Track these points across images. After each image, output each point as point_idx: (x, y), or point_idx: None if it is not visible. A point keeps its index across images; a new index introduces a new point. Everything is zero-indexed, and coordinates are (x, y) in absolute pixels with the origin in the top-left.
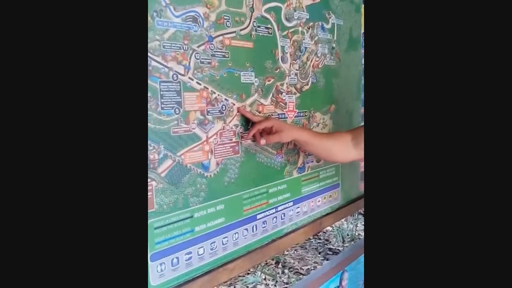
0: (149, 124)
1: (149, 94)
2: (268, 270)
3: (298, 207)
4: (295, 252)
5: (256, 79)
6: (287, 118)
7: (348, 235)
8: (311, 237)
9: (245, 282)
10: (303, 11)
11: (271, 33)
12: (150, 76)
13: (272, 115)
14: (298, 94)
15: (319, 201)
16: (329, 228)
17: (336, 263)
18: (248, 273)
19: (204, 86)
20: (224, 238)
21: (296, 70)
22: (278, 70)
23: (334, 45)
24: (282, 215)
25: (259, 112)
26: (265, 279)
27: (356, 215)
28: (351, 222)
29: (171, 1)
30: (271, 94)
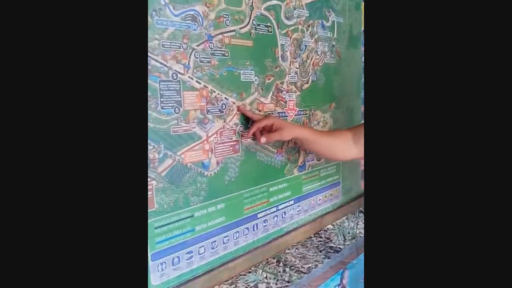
0: (149, 123)
1: (148, 94)
2: (269, 268)
3: (299, 205)
4: (296, 250)
5: (256, 77)
6: (287, 116)
7: (349, 233)
8: (312, 236)
9: (247, 280)
10: (303, 9)
11: (270, 32)
12: (149, 75)
13: (272, 113)
14: (298, 92)
15: (319, 199)
16: (330, 226)
17: (337, 261)
18: (249, 272)
19: (204, 85)
20: (224, 237)
21: (296, 68)
22: (278, 68)
23: (334, 43)
24: (283, 213)
25: (259, 111)
26: (266, 277)
27: (357, 213)
28: (352, 220)
29: (170, 0)
30: (271, 93)
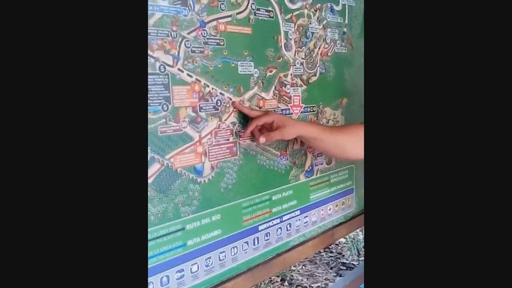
0: None
1: None
2: None
3: (306, 216)
4: (304, 267)
5: (256, 69)
6: (292, 114)
7: (363, 247)
8: (321, 250)
9: None
10: None
11: (272, 17)
12: None
13: (274, 111)
14: (304, 87)
15: (330, 209)
16: (342, 239)
17: (350, 279)
18: None
19: (196, 79)
20: (221, 253)
21: (302, 59)
22: (281, 59)
23: (345, 29)
24: (288, 225)
25: (260, 108)
26: None
27: None
28: None
29: None
30: (273, 87)
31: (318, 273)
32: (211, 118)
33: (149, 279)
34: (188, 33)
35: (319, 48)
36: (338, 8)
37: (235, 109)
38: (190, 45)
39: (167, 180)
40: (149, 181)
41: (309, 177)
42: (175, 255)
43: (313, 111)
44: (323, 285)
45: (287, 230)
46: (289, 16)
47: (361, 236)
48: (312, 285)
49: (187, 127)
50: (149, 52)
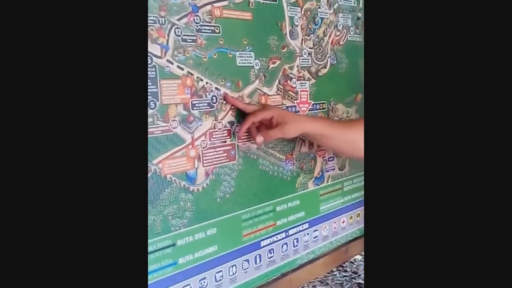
0: None
1: None
2: None
3: (316, 230)
4: None
5: (257, 61)
6: (299, 112)
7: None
8: (334, 270)
9: None
10: None
11: (275, 0)
12: None
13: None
14: (313, 80)
15: (343, 221)
16: (358, 257)
17: None
18: None
19: (188, 72)
20: (217, 272)
21: (310, 48)
22: (286, 48)
23: (359, 14)
24: (295, 241)
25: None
26: None
27: None
28: None
29: None
30: (277, 81)
31: None
32: (206, 117)
33: None
34: (179, 19)
35: (329, 36)
36: None
37: (233, 107)
38: (181, 33)
39: (155, 188)
40: None
41: (319, 185)
42: (164, 275)
43: (323, 108)
44: None
45: (294, 246)
46: None
47: None
48: None
49: (178, 128)
50: None
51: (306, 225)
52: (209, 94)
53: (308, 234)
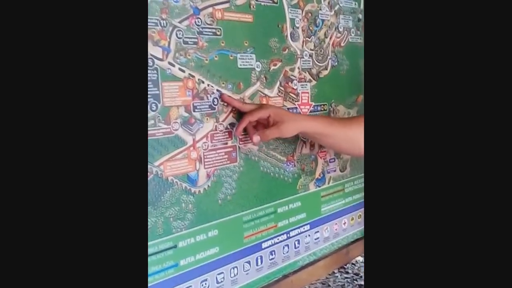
0: None
1: None
2: None
3: (317, 231)
4: None
5: (258, 63)
6: (300, 113)
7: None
8: (335, 271)
9: None
10: None
11: (276, 2)
12: None
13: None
14: (314, 82)
15: (345, 223)
16: (359, 258)
17: None
18: None
19: (189, 74)
20: (218, 274)
21: (311, 50)
22: (287, 50)
23: (360, 16)
24: (296, 242)
25: None
26: None
27: None
28: None
29: None
30: (278, 83)
31: None
32: (207, 119)
33: None
34: (180, 22)
35: (330, 38)
36: None
37: (234, 109)
38: (182, 35)
39: (157, 190)
40: None
41: (320, 186)
42: (166, 276)
43: (324, 110)
44: None
45: (295, 248)
46: (295, 1)
47: None
48: None
49: (179, 130)
50: None
51: (307, 227)
52: (210, 96)
53: (309, 235)
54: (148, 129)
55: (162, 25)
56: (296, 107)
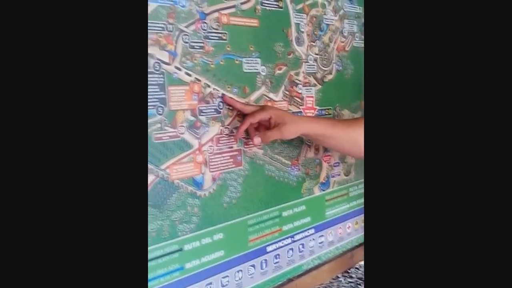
0: None
1: None
2: None
3: (322, 235)
4: None
5: (263, 67)
6: None
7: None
8: (339, 275)
9: None
10: None
11: (281, 7)
12: None
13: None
14: (318, 86)
15: (349, 227)
16: (363, 263)
17: None
18: None
19: (196, 78)
20: (223, 277)
21: (316, 54)
22: (292, 55)
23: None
24: (301, 246)
25: None
26: None
27: None
28: None
29: None
30: (283, 87)
31: None
32: (212, 123)
33: None
34: (187, 26)
35: (335, 42)
36: None
37: (239, 113)
38: (189, 39)
39: (163, 193)
40: None
41: (324, 190)
42: (171, 279)
43: (328, 114)
44: None
45: (300, 252)
46: (300, 6)
47: None
48: None
49: (185, 133)
50: None
51: (312, 231)
52: (216, 100)
53: (313, 239)
54: (155, 132)
55: (169, 29)
56: (301, 111)
